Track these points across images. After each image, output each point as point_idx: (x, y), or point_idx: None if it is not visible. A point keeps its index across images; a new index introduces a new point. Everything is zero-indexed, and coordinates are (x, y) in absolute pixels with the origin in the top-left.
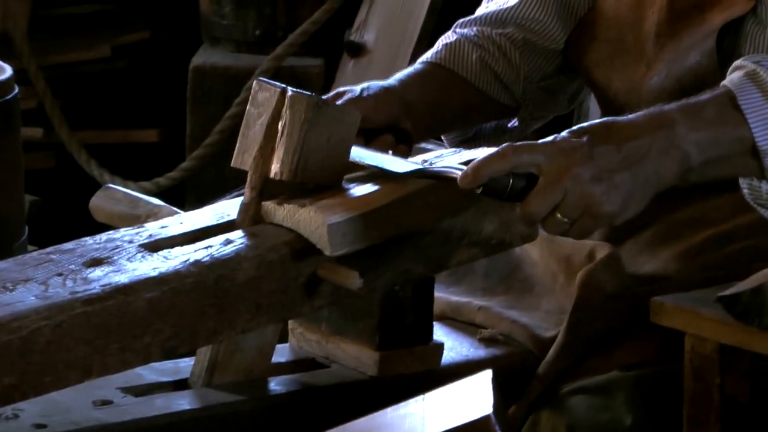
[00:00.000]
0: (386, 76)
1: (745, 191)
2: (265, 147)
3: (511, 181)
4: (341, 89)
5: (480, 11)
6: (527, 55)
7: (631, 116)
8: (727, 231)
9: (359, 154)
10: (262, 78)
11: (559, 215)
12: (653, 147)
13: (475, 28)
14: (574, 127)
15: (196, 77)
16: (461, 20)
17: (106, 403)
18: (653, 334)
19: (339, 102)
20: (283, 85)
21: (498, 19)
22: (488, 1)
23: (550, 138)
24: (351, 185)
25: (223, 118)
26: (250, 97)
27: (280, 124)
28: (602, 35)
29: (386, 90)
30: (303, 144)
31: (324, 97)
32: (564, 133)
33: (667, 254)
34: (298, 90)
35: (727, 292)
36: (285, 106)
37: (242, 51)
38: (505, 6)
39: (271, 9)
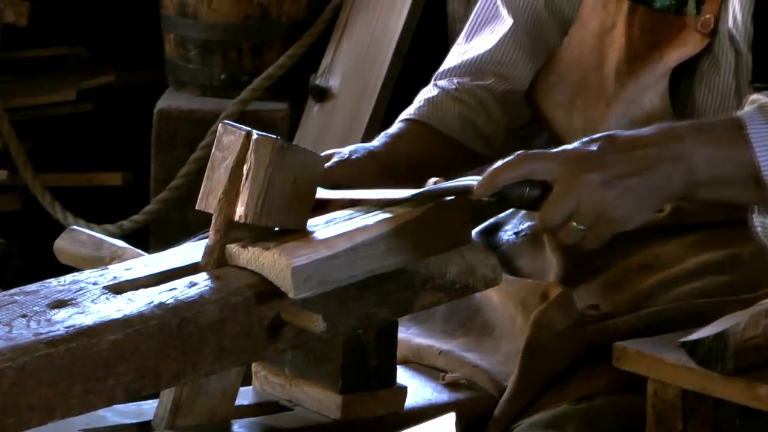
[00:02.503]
0: (352, 120)
1: (758, 229)
2: (230, 190)
3: (527, 189)
4: (329, 151)
5: (456, 58)
6: (508, 107)
7: (640, 129)
8: (675, 274)
9: (358, 194)
10: (227, 121)
11: (574, 223)
12: (663, 155)
13: (455, 81)
14: (585, 138)
15: (161, 120)
16: (441, 70)
17: None
18: (604, 368)
19: (327, 164)
20: (249, 129)
21: (477, 69)
22: (462, 43)
23: (561, 147)
24: (316, 228)
25: (187, 161)
26: (215, 141)
27: (245, 167)
28: (566, 76)
29: (371, 153)
30: (268, 187)
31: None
32: (575, 143)
33: (618, 298)
34: (263, 133)
35: (690, 337)
36: (250, 150)
37: (207, 95)
38: (482, 52)
39: (237, 53)
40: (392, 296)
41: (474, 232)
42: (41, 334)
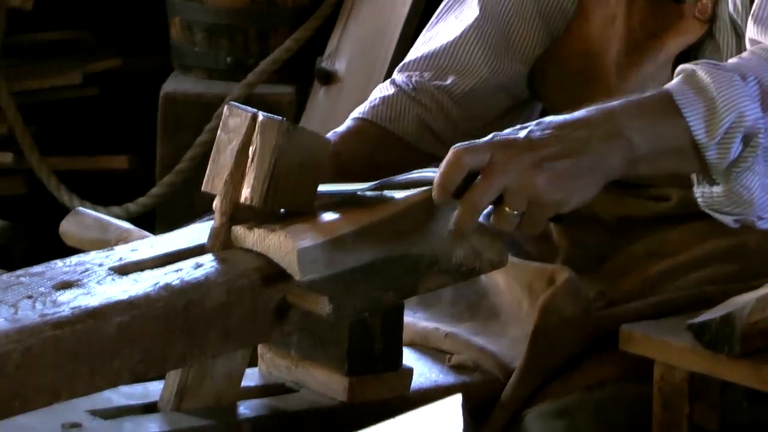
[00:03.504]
0: (358, 104)
1: (699, 200)
2: (236, 172)
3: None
4: None
5: (420, 48)
6: (468, 108)
7: (573, 113)
8: (682, 262)
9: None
10: (233, 103)
11: (507, 208)
12: (593, 135)
13: (414, 78)
14: (517, 126)
15: (167, 104)
16: (403, 63)
17: (74, 426)
18: (612, 355)
19: None
20: (255, 111)
21: (437, 64)
22: (429, 28)
23: (492, 134)
24: (322, 211)
25: (193, 144)
26: (221, 123)
27: (250, 149)
28: (569, 68)
29: None
30: (274, 169)
31: None
32: (508, 130)
33: (624, 286)
34: (269, 115)
35: (697, 320)
36: (256, 132)
37: (214, 78)
38: (444, 43)
39: (243, 37)
40: (398, 279)
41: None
42: (47, 315)
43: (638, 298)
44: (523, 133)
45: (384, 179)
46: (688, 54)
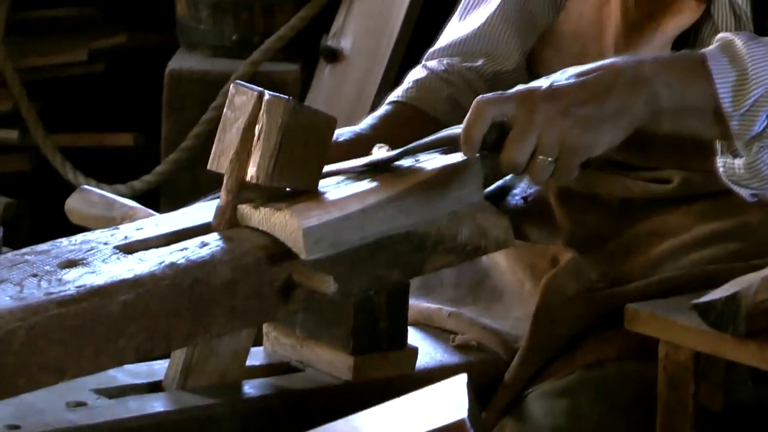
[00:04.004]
0: (363, 82)
1: (720, 170)
2: (242, 151)
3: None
4: None
5: (447, 37)
6: (497, 87)
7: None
8: (684, 242)
9: (344, 164)
10: (239, 82)
11: (540, 157)
12: (619, 79)
13: (445, 62)
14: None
15: (173, 82)
16: (431, 50)
17: (79, 404)
18: (614, 334)
19: None
20: (261, 89)
21: (467, 49)
22: (456, 22)
23: (516, 87)
24: (327, 189)
25: (199, 122)
26: (227, 101)
27: (256, 128)
28: (565, 49)
29: (358, 136)
30: (279, 148)
31: None
32: (531, 83)
33: (626, 266)
34: (275, 94)
35: (702, 299)
36: (262, 110)
37: (219, 56)
38: (472, 30)
39: (249, 14)
40: (403, 258)
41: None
42: (52, 293)
43: (640, 279)
44: (546, 83)
45: (408, 146)
46: (687, 36)
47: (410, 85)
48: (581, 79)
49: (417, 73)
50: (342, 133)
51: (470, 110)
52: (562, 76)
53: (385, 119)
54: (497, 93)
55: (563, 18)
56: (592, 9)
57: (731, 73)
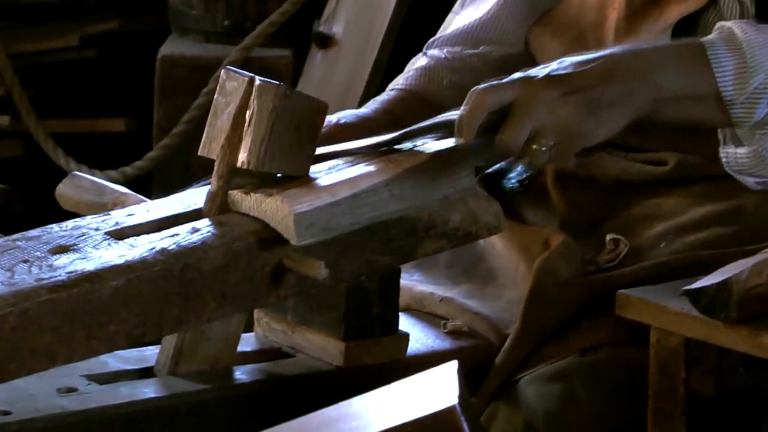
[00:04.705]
0: (354, 67)
1: (723, 160)
2: (233, 136)
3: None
4: None
5: (450, 27)
6: (502, 72)
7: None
8: (679, 225)
9: (344, 146)
10: (230, 67)
11: (534, 146)
12: (617, 69)
13: (446, 49)
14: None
15: (164, 67)
16: (432, 40)
17: (70, 390)
18: (608, 318)
19: None
20: (252, 75)
21: (469, 38)
22: (457, 12)
23: (515, 74)
24: (319, 175)
25: (190, 107)
26: (218, 87)
27: (247, 113)
28: (564, 33)
29: (360, 118)
30: (270, 133)
31: None
32: (530, 69)
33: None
34: (266, 79)
35: (693, 285)
36: (253, 96)
37: (211, 41)
38: (475, 19)
39: (240, 0)
40: (395, 243)
41: (476, 179)
42: (43, 279)
43: (635, 262)
44: (544, 71)
45: (407, 129)
46: (690, 21)
47: (412, 72)
48: (580, 68)
49: (418, 60)
50: (344, 116)
51: (466, 100)
52: (561, 65)
53: (387, 105)
54: (493, 82)
55: (564, 6)
56: None
57: (731, 60)
